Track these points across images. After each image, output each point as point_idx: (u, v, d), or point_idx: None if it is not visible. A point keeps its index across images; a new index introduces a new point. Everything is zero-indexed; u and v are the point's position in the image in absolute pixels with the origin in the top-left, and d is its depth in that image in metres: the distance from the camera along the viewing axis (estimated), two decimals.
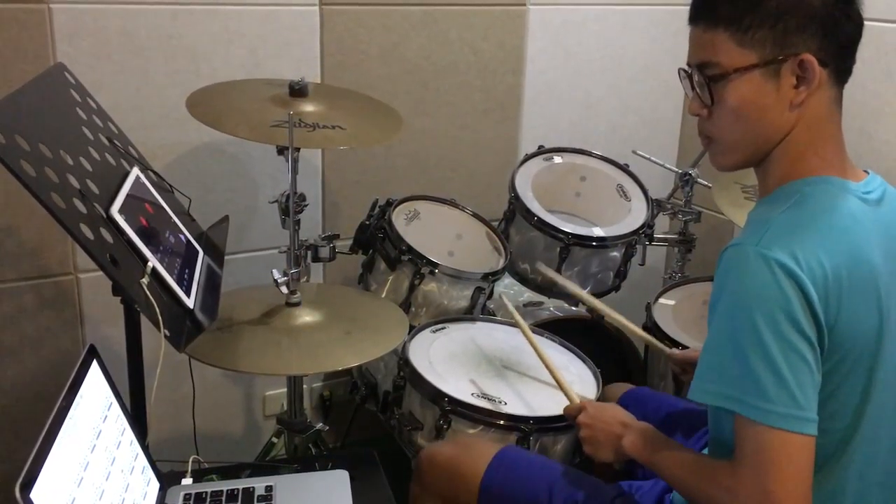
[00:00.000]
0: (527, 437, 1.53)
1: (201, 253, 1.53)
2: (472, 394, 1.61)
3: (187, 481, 1.35)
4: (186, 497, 1.29)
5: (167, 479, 1.32)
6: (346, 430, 2.25)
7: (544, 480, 1.37)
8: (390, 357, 1.82)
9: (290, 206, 1.64)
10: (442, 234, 2.08)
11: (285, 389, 1.89)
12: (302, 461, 1.46)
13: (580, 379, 1.73)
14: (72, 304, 2.00)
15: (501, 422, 1.55)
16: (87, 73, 1.80)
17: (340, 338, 1.60)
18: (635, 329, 1.80)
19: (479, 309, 1.97)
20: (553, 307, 2.17)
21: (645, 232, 2.12)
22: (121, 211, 1.27)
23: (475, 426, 1.56)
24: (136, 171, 1.45)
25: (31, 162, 1.12)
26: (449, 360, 1.73)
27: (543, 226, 2.02)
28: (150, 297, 1.19)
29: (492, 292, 2.02)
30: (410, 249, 1.86)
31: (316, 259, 1.77)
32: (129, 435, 1.22)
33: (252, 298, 1.69)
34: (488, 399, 1.61)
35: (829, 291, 1.05)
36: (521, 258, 2.09)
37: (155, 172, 1.63)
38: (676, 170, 2.34)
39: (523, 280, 2.11)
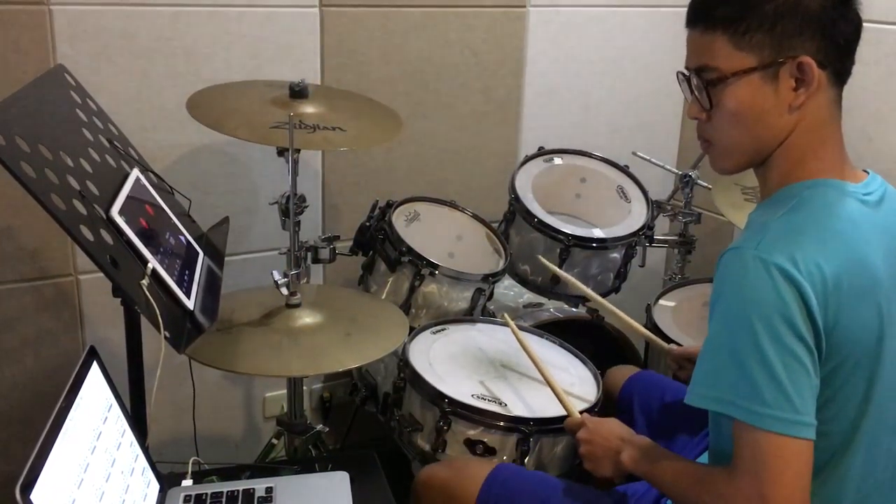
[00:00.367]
0: (527, 439, 1.53)
1: (201, 254, 1.53)
2: (473, 395, 1.61)
3: (187, 483, 1.35)
4: (186, 498, 1.29)
5: (167, 481, 1.32)
6: (346, 431, 2.25)
7: (539, 496, 1.36)
8: (390, 358, 1.82)
9: (291, 208, 1.64)
10: (442, 236, 2.08)
11: (285, 391, 1.89)
12: (302, 463, 1.47)
13: (580, 380, 1.73)
14: (72, 306, 2.00)
15: (502, 423, 1.55)
16: (87, 74, 1.80)
17: (340, 339, 1.59)
18: (633, 324, 1.79)
19: (480, 310, 1.97)
20: (553, 308, 2.17)
21: (645, 233, 2.12)
22: (121, 212, 1.27)
23: (475, 427, 1.56)
24: (136, 173, 1.45)
25: (32, 163, 1.12)
26: (449, 362, 1.73)
27: (544, 227, 2.02)
28: (151, 299, 1.19)
29: (492, 294, 2.02)
30: (410, 251, 1.86)
31: (316, 260, 1.78)
32: (130, 436, 1.23)
33: (252, 300, 1.69)
34: (489, 400, 1.61)
35: (829, 296, 1.04)
36: (522, 259, 2.09)
37: (155, 174, 1.63)
38: (676, 171, 2.34)
39: (523, 281, 2.11)
